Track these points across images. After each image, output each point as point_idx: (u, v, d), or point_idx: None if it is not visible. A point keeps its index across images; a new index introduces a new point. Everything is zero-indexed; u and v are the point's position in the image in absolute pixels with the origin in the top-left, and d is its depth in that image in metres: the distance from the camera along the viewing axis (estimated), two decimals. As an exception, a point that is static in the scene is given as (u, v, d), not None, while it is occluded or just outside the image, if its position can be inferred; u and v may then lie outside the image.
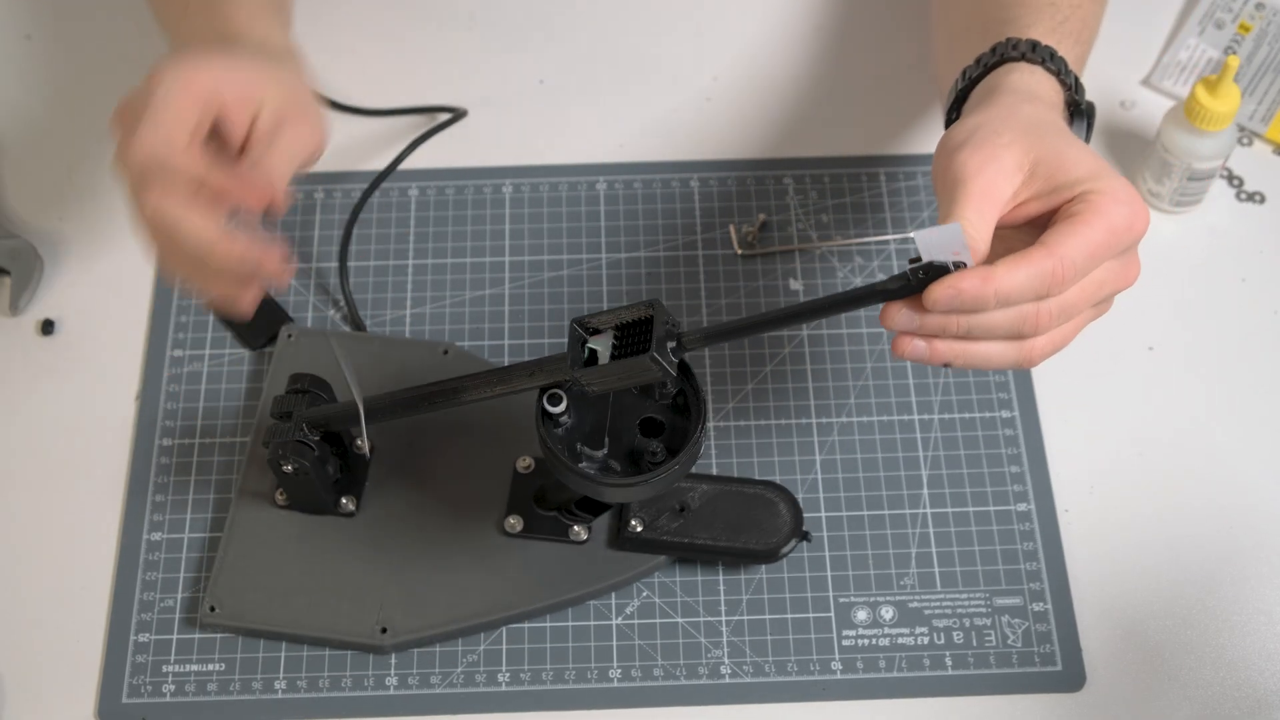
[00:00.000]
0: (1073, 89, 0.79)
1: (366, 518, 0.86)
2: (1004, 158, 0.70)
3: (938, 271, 0.65)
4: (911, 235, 0.65)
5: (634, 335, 0.68)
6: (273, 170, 0.73)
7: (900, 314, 0.67)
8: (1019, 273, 0.65)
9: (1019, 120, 0.73)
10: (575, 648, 0.84)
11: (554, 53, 1.06)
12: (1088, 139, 0.79)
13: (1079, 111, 0.79)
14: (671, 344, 0.67)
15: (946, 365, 0.69)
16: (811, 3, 1.08)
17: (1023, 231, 0.71)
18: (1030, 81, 0.77)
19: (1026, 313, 0.67)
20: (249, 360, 0.93)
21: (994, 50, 0.79)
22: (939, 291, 0.65)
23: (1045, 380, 0.92)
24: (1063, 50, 0.79)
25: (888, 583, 0.86)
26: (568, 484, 0.74)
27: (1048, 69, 0.78)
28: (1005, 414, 0.91)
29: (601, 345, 0.68)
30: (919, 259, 0.65)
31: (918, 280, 0.65)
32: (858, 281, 0.95)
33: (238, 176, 0.71)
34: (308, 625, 0.83)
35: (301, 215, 0.98)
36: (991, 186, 0.69)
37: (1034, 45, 0.78)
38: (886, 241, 0.96)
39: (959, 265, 0.65)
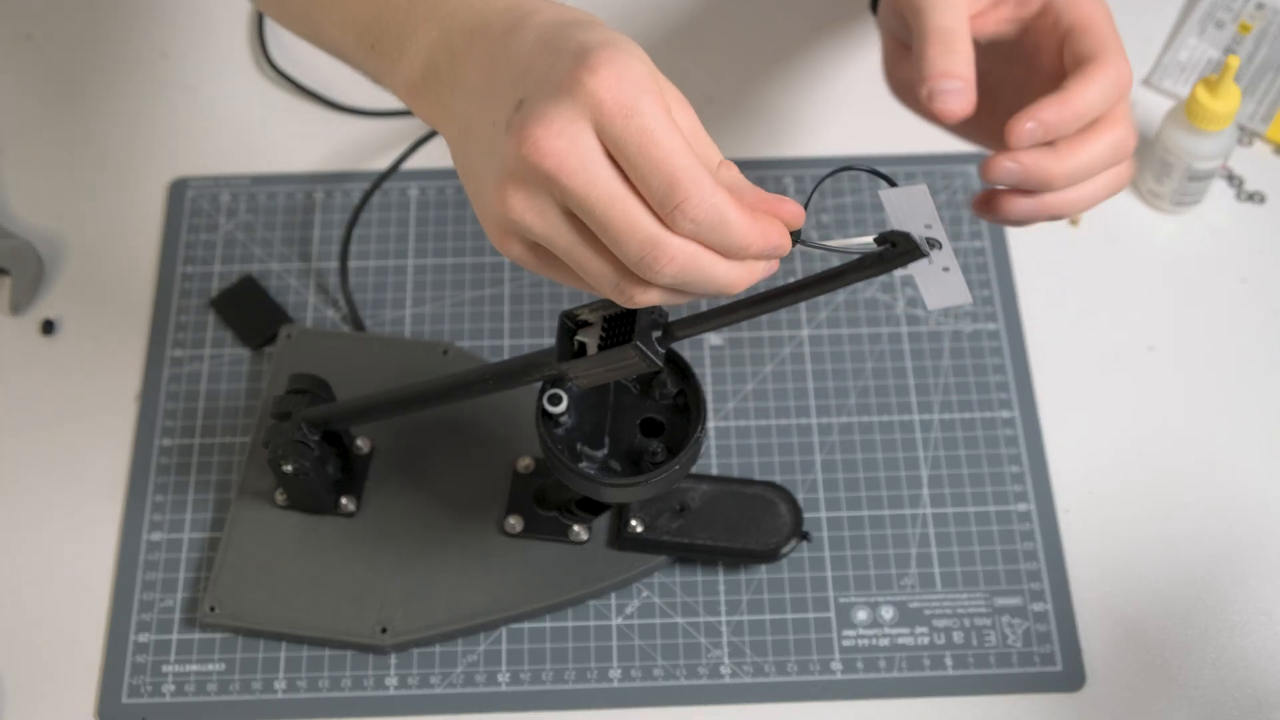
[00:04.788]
0: None
1: (366, 518, 0.86)
2: None
3: (908, 242, 0.62)
4: (880, 193, 0.63)
5: (622, 326, 0.67)
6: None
7: (1002, 165, 0.66)
8: (1092, 86, 0.66)
9: None
10: (575, 648, 0.84)
11: (554, 53, 1.06)
12: None
13: None
14: (657, 333, 0.67)
15: (1057, 217, 0.70)
16: (812, 3, 1.08)
17: (988, 54, 0.73)
18: None
19: (1122, 138, 0.68)
20: (249, 360, 0.93)
21: None
22: (1019, 126, 0.64)
23: (1045, 380, 0.92)
24: None
25: (888, 583, 0.86)
26: (568, 484, 0.74)
27: None
28: (1005, 414, 0.91)
29: (589, 338, 0.68)
30: (888, 233, 0.63)
31: (891, 253, 0.63)
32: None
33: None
34: (308, 625, 0.83)
35: (301, 215, 0.98)
36: None
37: None
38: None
39: (931, 242, 0.63)
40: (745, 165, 1.00)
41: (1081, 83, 0.68)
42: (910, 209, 0.62)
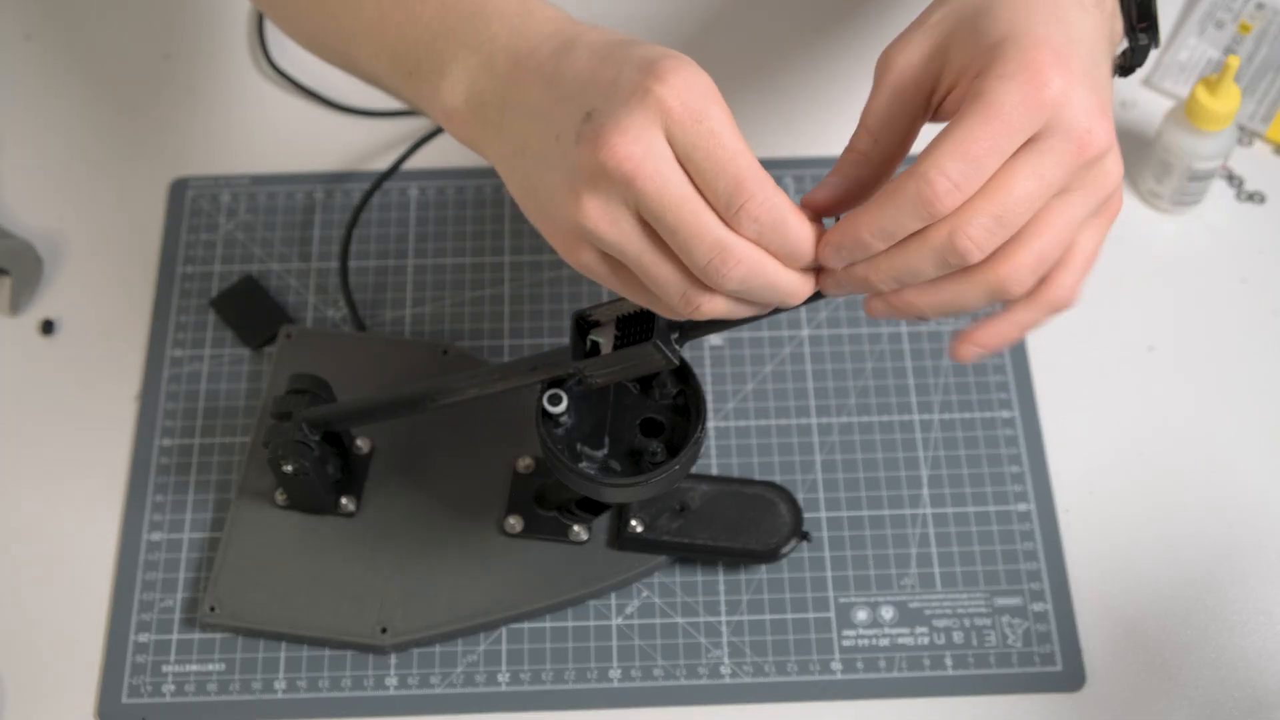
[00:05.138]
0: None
1: (366, 518, 0.86)
2: (914, 43, 0.63)
3: None
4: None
5: (635, 327, 0.68)
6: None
7: (826, 279, 0.61)
8: (888, 206, 0.59)
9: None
10: (575, 648, 0.84)
11: (554, 53, 1.06)
12: (1119, 72, 0.69)
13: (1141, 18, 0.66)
14: (675, 334, 0.68)
15: (920, 318, 0.63)
16: (813, 2, 1.08)
17: None
18: None
19: (941, 246, 0.58)
20: (249, 360, 0.93)
21: None
22: (819, 251, 0.60)
23: (1045, 380, 0.92)
24: None
25: (888, 583, 0.86)
26: (568, 484, 0.74)
27: None
28: (1005, 414, 0.91)
29: (603, 338, 0.69)
30: None
31: None
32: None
33: None
34: (308, 625, 0.83)
35: (301, 215, 0.98)
36: (899, 79, 0.63)
37: None
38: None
39: None
40: (745, 165, 1.00)
41: (885, 193, 0.59)
42: None
